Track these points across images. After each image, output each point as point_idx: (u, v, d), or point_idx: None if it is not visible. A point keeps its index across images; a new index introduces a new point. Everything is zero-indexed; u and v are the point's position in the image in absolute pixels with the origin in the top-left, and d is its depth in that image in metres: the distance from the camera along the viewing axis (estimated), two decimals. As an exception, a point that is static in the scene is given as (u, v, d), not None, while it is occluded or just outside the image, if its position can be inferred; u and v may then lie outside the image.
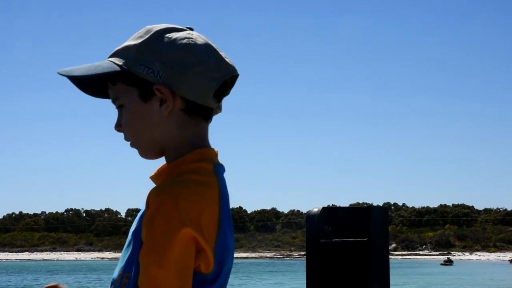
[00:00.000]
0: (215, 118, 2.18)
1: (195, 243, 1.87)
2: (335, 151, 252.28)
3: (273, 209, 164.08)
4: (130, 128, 2.10)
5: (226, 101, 2.24)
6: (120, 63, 2.05)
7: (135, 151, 2.15)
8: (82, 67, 2.10)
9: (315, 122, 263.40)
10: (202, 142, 2.14)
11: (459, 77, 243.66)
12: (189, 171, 2.02)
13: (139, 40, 2.07)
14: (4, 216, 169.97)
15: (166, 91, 2.00)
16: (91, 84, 2.14)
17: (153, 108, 2.05)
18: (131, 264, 1.99)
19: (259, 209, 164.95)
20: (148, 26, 2.13)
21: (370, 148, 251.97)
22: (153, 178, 2.15)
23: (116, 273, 2.11)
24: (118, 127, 2.14)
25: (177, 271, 1.85)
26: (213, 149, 2.16)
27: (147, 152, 2.15)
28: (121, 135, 2.14)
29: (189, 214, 1.86)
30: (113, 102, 2.15)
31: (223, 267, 1.99)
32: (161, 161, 2.17)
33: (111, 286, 2.11)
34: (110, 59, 2.09)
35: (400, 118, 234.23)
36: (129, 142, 2.16)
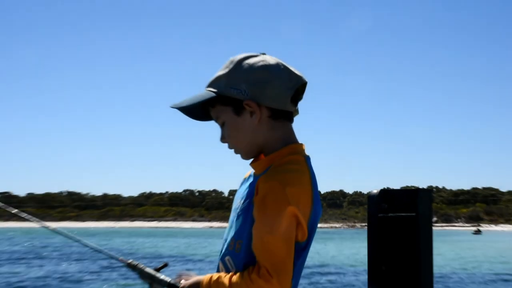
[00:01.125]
0: (297, 118, 2.53)
1: (296, 219, 2.24)
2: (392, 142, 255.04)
3: (341, 190, 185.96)
4: (231, 138, 2.48)
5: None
6: (215, 90, 2.42)
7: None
8: (188, 99, 2.46)
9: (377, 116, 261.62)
10: (291, 138, 2.48)
11: None
12: (287, 162, 2.36)
13: (226, 70, 2.43)
14: (138, 195, 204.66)
15: (253, 104, 2.38)
16: (196, 111, 2.51)
17: (246, 119, 2.41)
18: (242, 234, 2.37)
19: (329, 190, 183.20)
20: (231, 58, 2.46)
21: (418, 142, 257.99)
22: (253, 165, 2.52)
23: (228, 240, 2.45)
24: (222, 139, 2.52)
25: (284, 239, 2.22)
26: (301, 143, 2.50)
27: (247, 155, 2.51)
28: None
29: (292, 196, 2.21)
30: (216, 121, 2.52)
31: (312, 237, 2.38)
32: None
33: (224, 249, 2.47)
34: (207, 89, 2.46)
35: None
36: (233, 150, 2.52)
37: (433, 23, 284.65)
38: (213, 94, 2.40)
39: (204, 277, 2.33)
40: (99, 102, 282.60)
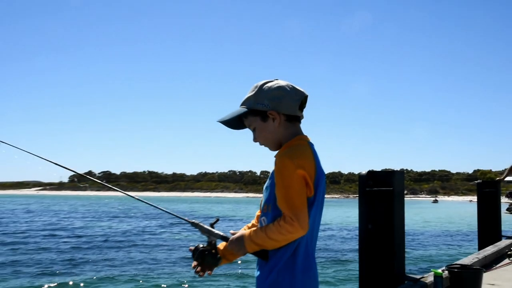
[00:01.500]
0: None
1: (304, 179, 2.34)
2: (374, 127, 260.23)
3: (339, 171, 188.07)
4: (261, 138, 2.58)
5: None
6: (247, 107, 2.56)
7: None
8: (228, 114, 2.60)
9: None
10: (298, 133, 2.57)
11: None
12: (295, 145, 2.47)
13: (253, 92, 2.55)
14: (197, 173, 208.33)
15: (274, 113, 2.50)
16: (233, 123, 2.63)
17: (270, 124, 2.53)
18: (270, 199, 2.44)
19: (331, 171, 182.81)
20: (255, 84, 2.57)
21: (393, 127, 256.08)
22: (276, 156, 2.49)
23: (262, 205, 2.54)
24: (255, 140, 2.61)
25: (298, 193, 2.31)
26: (305, 135, 2.58)
27: (272, 147, 2.57)
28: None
29: (299, 163, 2.34)
30: (249, 128, 2.62)
31: (318, 195, 2.40)
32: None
33: (261, 214, 2.54)
34: (241, 106, 2.58)
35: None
36: (263, 146, 2.61)
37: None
38: (246, 109, 2.54)
39: (248, 230, 2.44)
40: (174, 100, 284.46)
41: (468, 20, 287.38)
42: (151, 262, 16.80)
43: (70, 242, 22.97)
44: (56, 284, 12.95)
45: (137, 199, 2.93)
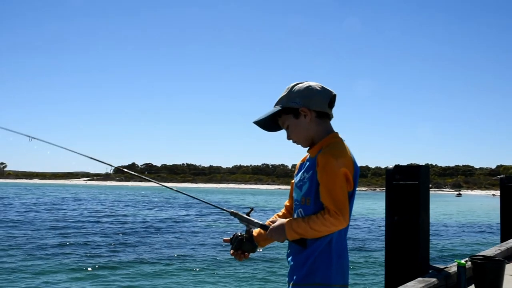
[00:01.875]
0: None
1: (345, 176, 2.37)
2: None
3: (366, 165, 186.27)
4: (294, 135, 2.58)
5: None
6: (280, 105, 2.57)
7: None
8: (263, 115, 2.61)
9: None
10: (330, 129, 2.57)
11: None
12: (332, 142, 2.49)
13: (286, 92, 2.57)
14: (232, 166, 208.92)
15: (305, 110, 2.51)
16: (269, 125, 2.64)
17: (302, 120, 2.54)
18: (310, 193, 2.45)
19: (359, 165, 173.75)
20: (288, 86, 2.60)
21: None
22: (310, 151, 2.58)
23: (299, 198, 2.52)
24: (288, 137, 2.61)
25: (341, 189, 2.35)
26: (337, 132, 2.57)
27: (305, 144, 2.58)
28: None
29: (342, 161, 2.37)
30: (282, 126, 2.62)
31: (355, 188, 2.44)
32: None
33: (297, 205, 2.55)
34: (275, 106, 2.59)
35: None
36: (295, 143, 2.60)
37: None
38: (279, 108, 2.56)
39: (287, 219, 2.46)
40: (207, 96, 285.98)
41: (479, 14, 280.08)
42: (187, 246, 17.06)
43: (113, 227, 23.49)
44: (101, 265, 13.20)
45: (178, 191, 3.02)
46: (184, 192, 2.94)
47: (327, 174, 2.34)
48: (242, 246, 2.55)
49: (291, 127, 2.56)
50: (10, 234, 19.92)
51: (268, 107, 2.62)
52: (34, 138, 3.15)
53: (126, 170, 3.37)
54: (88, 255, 15.12)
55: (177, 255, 15.27)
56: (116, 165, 3.18)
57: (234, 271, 12.64)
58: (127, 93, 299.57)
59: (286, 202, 2.75)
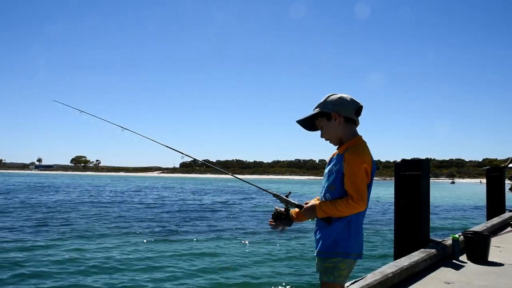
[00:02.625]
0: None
1: (365, 170, 2.36)
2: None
3: (378, 159, 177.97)
4: (326, 134, 2.55)
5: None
6: (317, 110, 2.54)
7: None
8: (305, 115, 2.58)
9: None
10: (356, 133, 2.52)
11: None
12: (357, 143, 2.46)
13: (321, 100, 2.54)
14: (271, 161, 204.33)
15: (336, 115, 2.49)
16: (307, 125, 2.61)
17: (332, 123, 2.51)
18: (336, 182, 2.42)
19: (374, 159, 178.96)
20: (325, 96, 2.55)
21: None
22: (339, 149, 2.53)
23: (326, 186, 2.48)
24: (322, 136, 2.57)
25: (362, 180, 2.34)
26: (361, 135, 2.53)
27: (335, 142, 2.55)
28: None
29: (364, 159, 2.37)
30: (318, 126, 2.58)
31: (371, 180, 2.41)
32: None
33: (325, 191, 2.49)
34: (314, 110, 2.56)
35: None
36: (328, 141, 2.57)
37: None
38: (317, 111, 2.54)
39: (318, 202, 2.48)
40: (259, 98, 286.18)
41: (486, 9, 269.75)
42: (236, 223, 17.03)
43: (179, 207, 23.73)
44: (167, 234, 13.46)
45: (238, 178, 3.15)
46: (245, 180, 3.02)
47: (352, 168, 2.34)
48: (281, 220, 2.57)
49: (324, 127, 2.53)
50: (105, 211, 20.62)
51: (306, 111, 2.61)
52: (125, 129, 3.21)
53: (208, 164, 3.46)
54: (161, 226, 15.53)
55: (228, 228, 15.41)
56: (201, 159, 3.22)
57: (272, 240, 12.66)
58: (196, 100, 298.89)
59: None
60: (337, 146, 2.55)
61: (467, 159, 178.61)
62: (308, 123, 2.60)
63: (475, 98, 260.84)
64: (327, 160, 2.65)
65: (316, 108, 2.55)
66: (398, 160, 5.72)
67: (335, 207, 2.34)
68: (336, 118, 2.49)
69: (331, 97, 2.53)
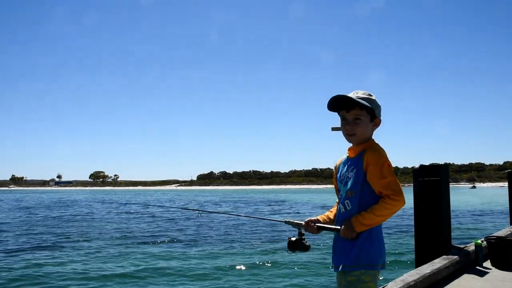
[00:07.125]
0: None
1: (390, 166, 2.31)
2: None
3: (396, 166, 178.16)
4: (359, 130, 2.41)
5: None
6: (365, 103, 2.36)
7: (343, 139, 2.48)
8: (355, 97, 2.38)
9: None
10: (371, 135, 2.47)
11: None
12: (375, 144, 2.42)
13: (365, 95, 2.41)
14: (305, 171, 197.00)
15: (379, 121, 2.46)
16: (337, 103, 2.42)
17: (371, 126, 2.43)
18: (355, 187, 2.34)
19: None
20: (365, 91, 2.44)
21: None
22: (354, 149, 2.47)
23: (345, 192, 2.40)
24: (350, 128, 2.42)
25: (394, 177, 2.27)
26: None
27: (359, 141, 2.43)
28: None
29: (386, 157, 2.32)
30: (349, 115, 2.41)
31: None
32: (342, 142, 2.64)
33: (344, 197, 2.40)
34: (361, 100, 2.37)
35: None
36: (351, 137, 2.43)
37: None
38: (369, 106, 2.37)
39: (352, 217, 2.32)
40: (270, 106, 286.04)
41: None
42: (248, 240, 16.94)
43: (195, 216, 24.05)
44: (184, 239, 13.43)
45: (245, 216, 3.13)
46: (255, 217, 3.21)
47: (381, 167, 2.26)
48: (297, 248, 2.46)
49: (362, 124, 2.39)
50: (127, 217, 20.72)
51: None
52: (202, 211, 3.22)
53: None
54: (172, 241, 15.49)
55: (242, 245, 15.29)
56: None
57: (284, 257, 12.47)
58: (210, 114, 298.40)
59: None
60: (348, 148, 2.48)
61: (487, 163, 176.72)
62: (335, 105, 2.44)
63: (492, 99, 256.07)
64: (334, 168, 2.58)
65: (366, 100, 2.38)
66: (417, 166, 5.63)
67: (374, 213, 2.23)
68: (376, 125, 2.45)
69: (377, 101, 2.44)
